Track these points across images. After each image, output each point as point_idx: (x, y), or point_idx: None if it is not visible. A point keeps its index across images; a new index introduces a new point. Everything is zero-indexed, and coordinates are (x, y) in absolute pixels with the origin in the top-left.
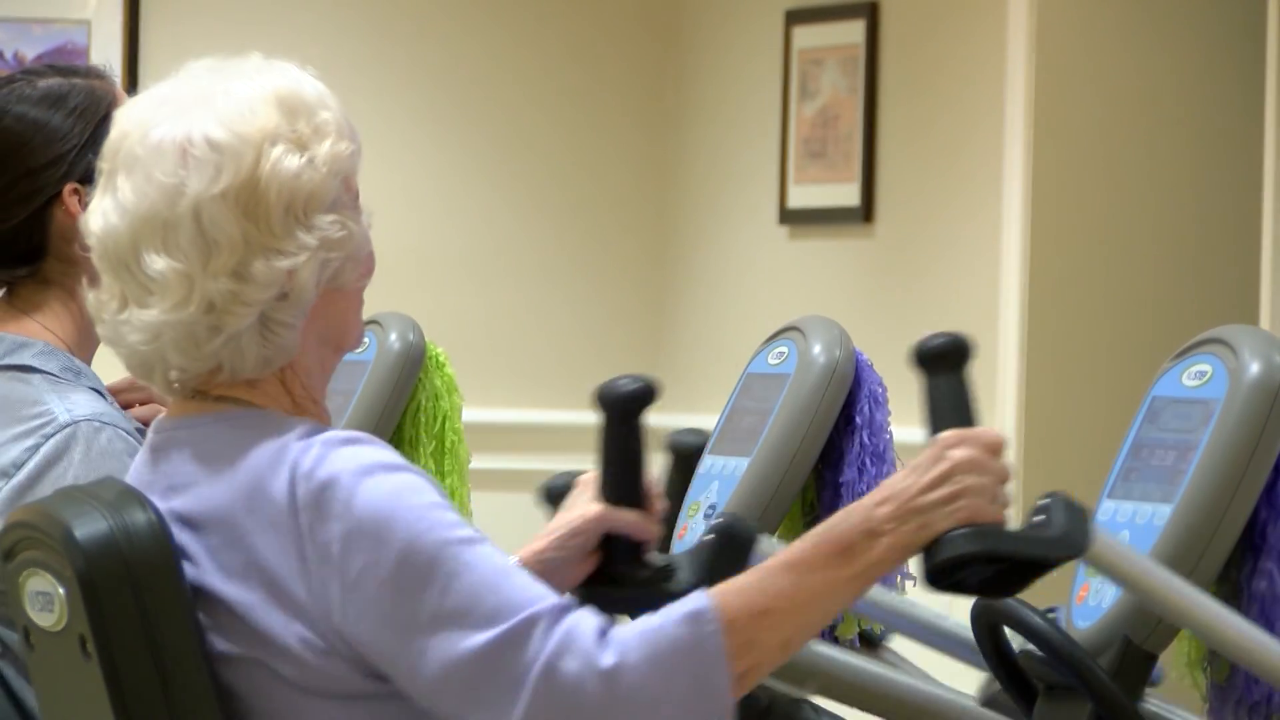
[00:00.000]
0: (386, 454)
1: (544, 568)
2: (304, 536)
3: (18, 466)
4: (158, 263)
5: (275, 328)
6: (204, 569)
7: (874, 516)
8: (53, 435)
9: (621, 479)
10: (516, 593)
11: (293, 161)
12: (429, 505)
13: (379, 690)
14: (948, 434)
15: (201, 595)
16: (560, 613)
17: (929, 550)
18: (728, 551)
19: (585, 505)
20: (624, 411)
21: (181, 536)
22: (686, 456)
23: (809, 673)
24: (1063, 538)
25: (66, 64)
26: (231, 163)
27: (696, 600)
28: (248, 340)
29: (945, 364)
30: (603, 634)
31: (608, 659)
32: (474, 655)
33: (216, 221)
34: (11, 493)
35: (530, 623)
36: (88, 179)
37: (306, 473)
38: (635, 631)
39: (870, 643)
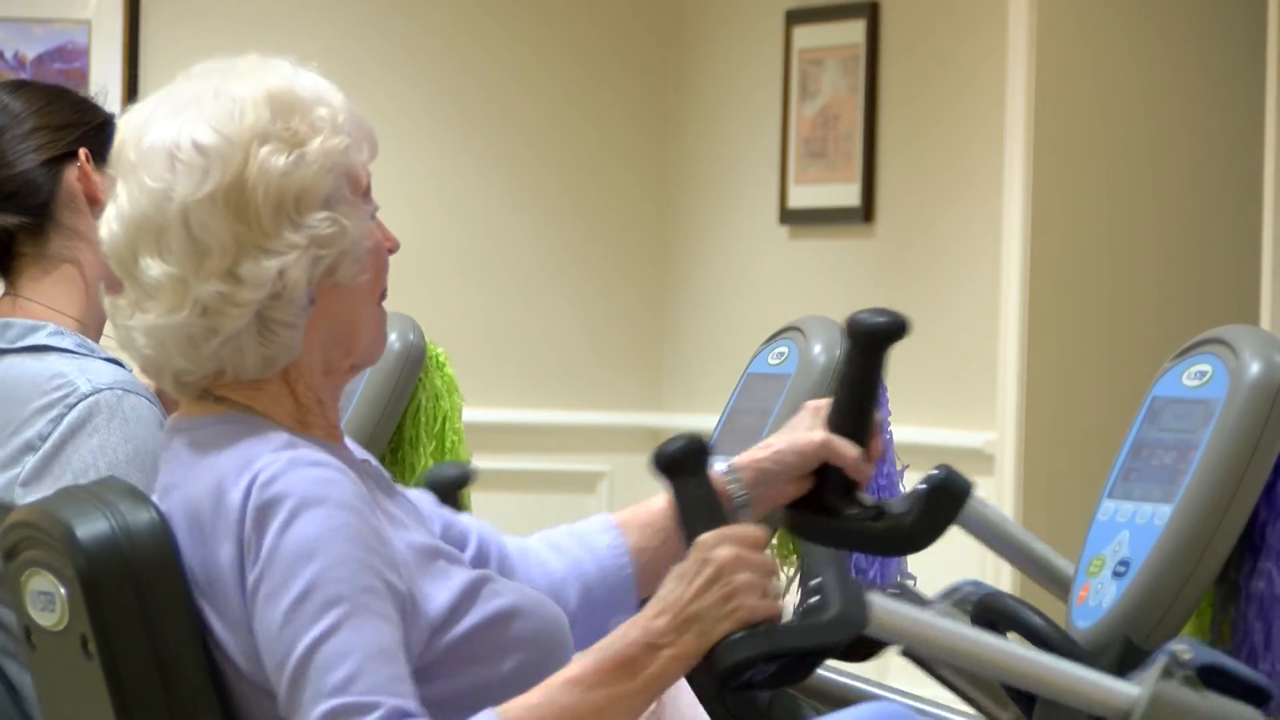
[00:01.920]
0: (344, 489)
1: (759, 477)
2: (245, 541)
3: (43, 439)
4: (153, 268)
5: (275, 327)
6: (192, 564)
7: (653, 629)
8: (75, 405)
9: (852, 412)
10: (376, 676)
11: (281, 160)
12: (355, 558)
13: None
14: (706, 536)
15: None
16: (398, 716)
17: (709, 658)
18: (940, 502)
19: (810, 429)
20: (871, 343)
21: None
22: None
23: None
24: (839, 619)
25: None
26: (218, 165)
27: (484, 719)
28: (246, 341)
29: (684, 469)
30: None
31: None
32: (317, 711)
33: (205, 225)
34: (39, 463)
35: (371, 707)
36: (99, 159)
37: (264, 482)
38: None
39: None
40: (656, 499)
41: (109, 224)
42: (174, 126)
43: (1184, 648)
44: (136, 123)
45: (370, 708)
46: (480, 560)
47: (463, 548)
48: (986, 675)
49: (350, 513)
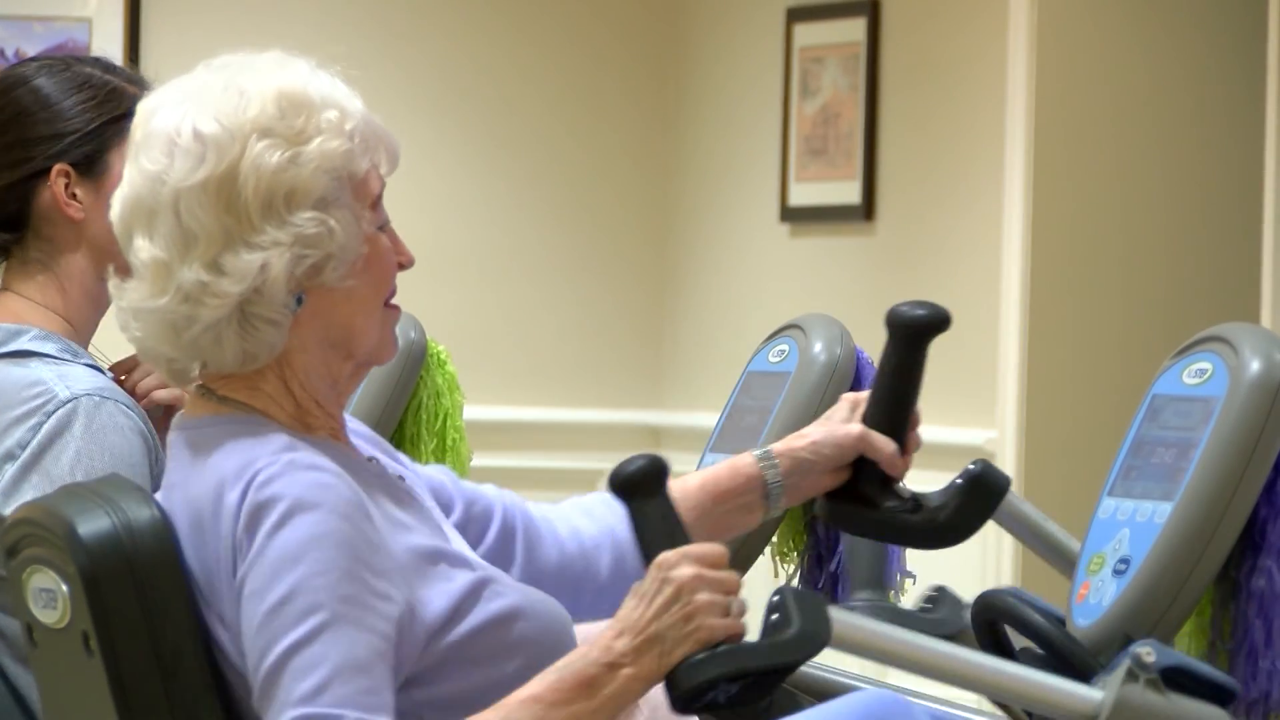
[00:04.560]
0: (338, 495)
1: (795, 466)
2: (238, 541)
3: (22, 447)
4: (143, 250)
5: (256, 322)
6: (194, 563)
7: (613, 649)
8: (54, 412)
9: (890, 406)
10: (352, 689)
11: (276, 156)
12: (341, 567)
13: None
14: (666, 555)
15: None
16: None
17: (671, 678)
18: (977, 496)
19: (847, 422)
20: (910, 336)
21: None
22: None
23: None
24: (800, 637)
25: (114, 63)
26: (214, 154)
27: None
28: (226, 332)
29: (643, 489)
30: None
31: None
32: (287, 714)
33: (193, 212)
34: (18, 472)
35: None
36: (83, 167)
37: (260, 483)
38: None
39: None
40: (692, 475)
41: (114, 202)
42: (179, 113)
43: (1146, 649)
44: (149, 106)
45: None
46: (504, 533)
47: (486, 523)
48: (953, 685)
49: (342, 519)
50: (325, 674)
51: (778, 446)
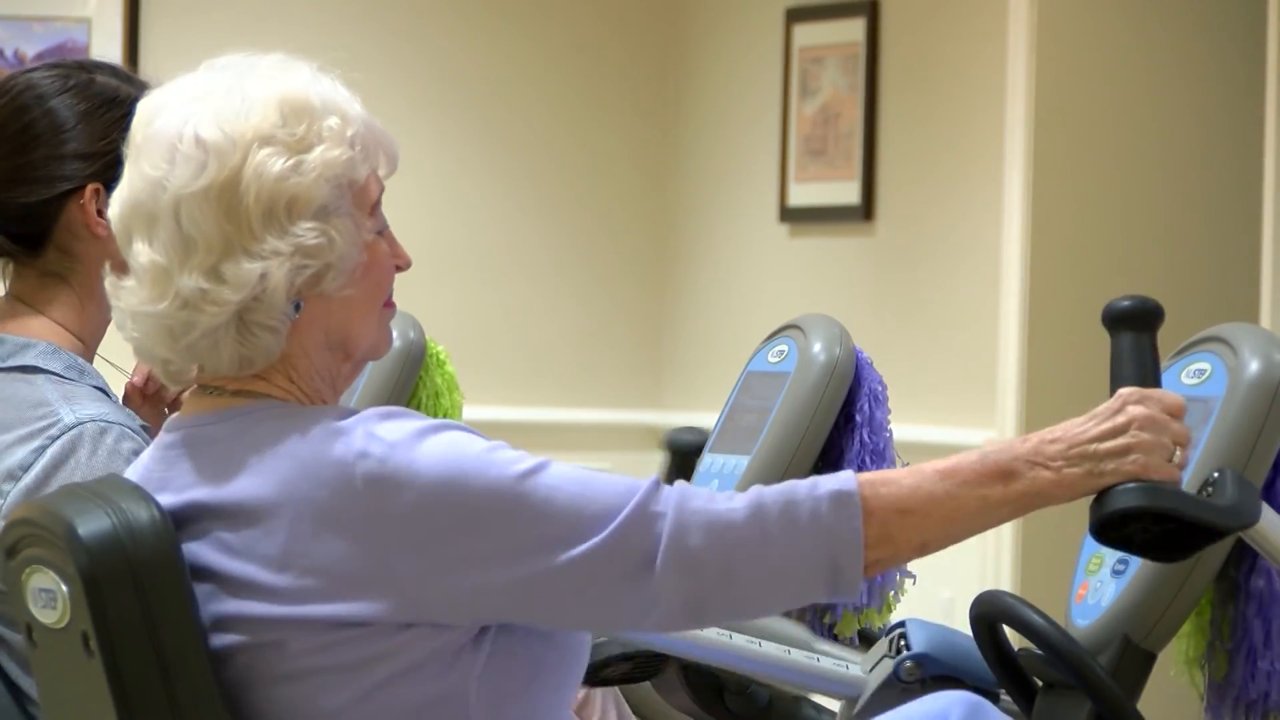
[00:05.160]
0: (422, 419)
1: None
2: (370, 516)
3: (25, 469)
4: (142, 254)
5: (254, 329)
6: (245, 559)
7: (1041, 449)
8: (58, 437)
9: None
10: (610, 489)
11: (278, 164)
12: (486, 450)
13: (422, 655)
14: (1128, 390)
15: (243, 586)
16: (657, 485)
17: (1098, 500)
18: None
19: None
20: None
21: (216, 529)
22: (685, 454)
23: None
24: (1234, 507)
25: (125, 71)
26: (216, 161)
27: (845, 480)
28: (224, 338)
29: (1133, 324)
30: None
31: (739, 510)
32: (606, 543)
33: (194, 219)
34: (19, 495)
35: (645, 496)
36: (112, 187)
37: (360, 451)
38: (780, 494)
39: (871, 642)
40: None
41: (113, 202)
42: (181, 117)
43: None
44: (150, 107)
45: (644, 498)
46: None
47: None
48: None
49: (444, 428)
50: (587, 486)
51: None
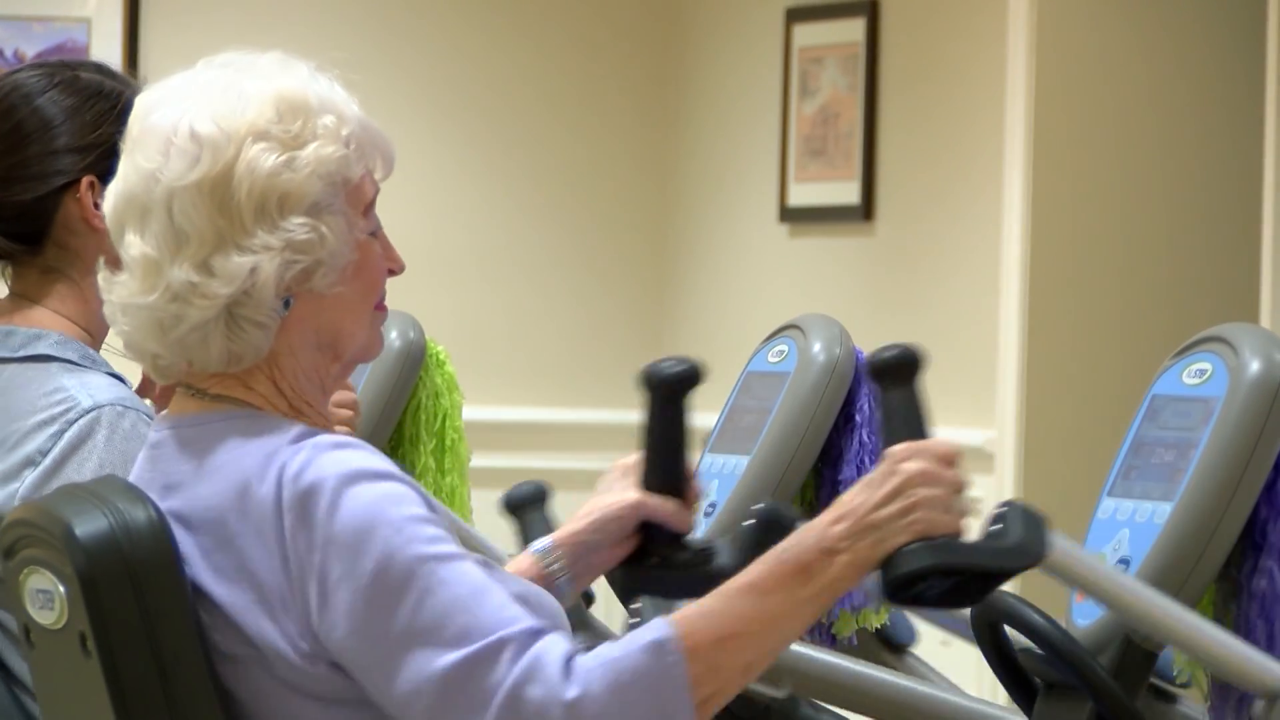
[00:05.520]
0: (374, 460)
1: (579, 550)
2: (286, 540)
3: (44, 454)
4: (134, 246)
5: (243, 324)
6: (197, 569)
7: (829, 535)
8: (76, 420)
9: (662, 465)
10: (489, 614)
11: (271, 159)
12: (410, 518)
13: (365, 696)
14: (899, 447)
15: (196, 595)
16: (530, 638)
17: (886, 565)
18: (767, 536)
19: (624, 490)
20: (668, 394)
21: (178, 535)
22: (523, 507)
23: (786, 672)
24: (1018, 547)
25: (109, 67)
26: (209, 155)
27: (658, 629)
28: (213, 333)
29: (896, 377)
30: (569, 662)
31: (572, 690)
32: (441, 675)
33: (186, 212)
34: (38, 479)
35: (499, 646)
36: (107, 178)
37: (293, 476)
38: (599, 661)
39: (893, 648)
40: (568, 524)
41: (108, 195)
42: (177, 111)
43: None
44: (147, 101)
45: (496, 649)
46: None
47: None
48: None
49: (385, 478)
50: (459, 617)
51: (560, 535)
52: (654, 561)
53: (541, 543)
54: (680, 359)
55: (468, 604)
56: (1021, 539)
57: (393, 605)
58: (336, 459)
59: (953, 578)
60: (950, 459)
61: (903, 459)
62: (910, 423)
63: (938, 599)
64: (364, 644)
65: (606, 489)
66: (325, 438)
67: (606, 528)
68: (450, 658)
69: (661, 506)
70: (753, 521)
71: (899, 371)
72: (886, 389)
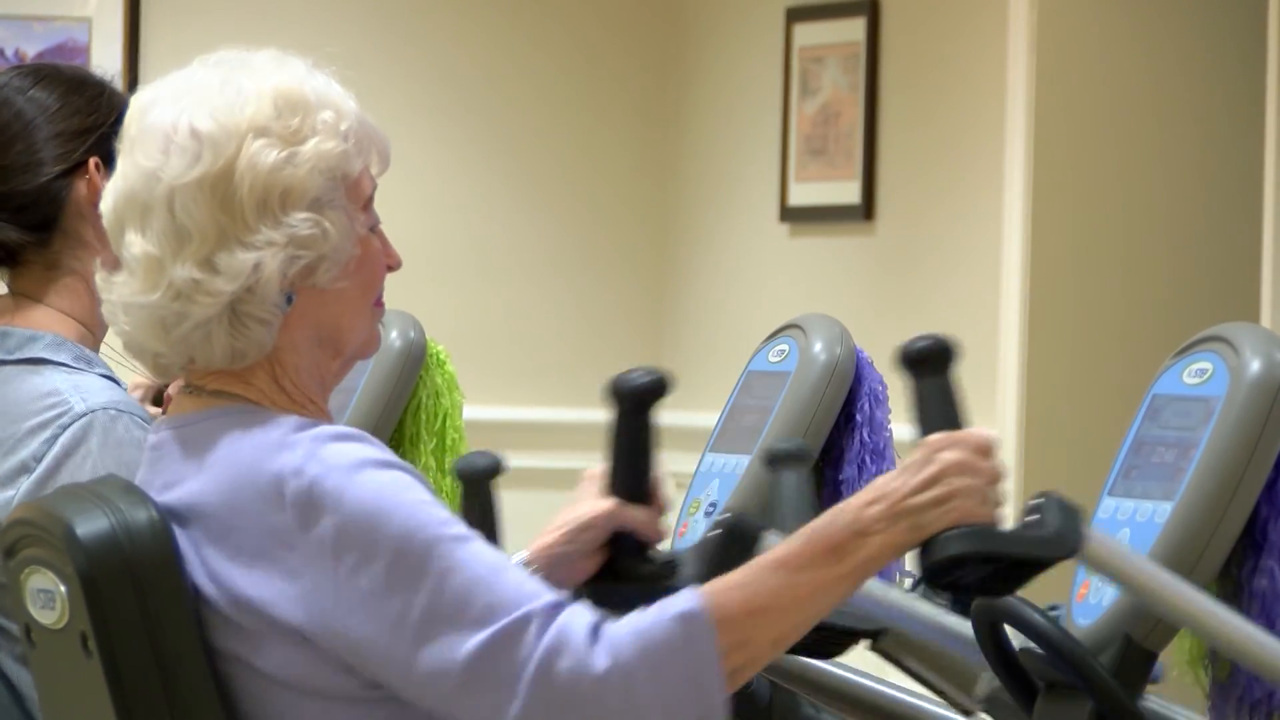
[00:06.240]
0: (376, 450)
1: (553, 562)
2: (294, 533)
3: (38, 460)
4: (135, 245)
5: (247, 321)
6: (191, 564)
7: (864, 516)
8: (69, 425)
9: (630, 474)
10: (509, 590)
11: (272, 155)
12: (419, 502)
13: (371, 694)
14: (937, 436)
15: (196, 594)
16: (553, 610)
17: (924, 549)
18: (733, 547)
19: (594, 499)
20: (636, 404)
21: (176, 530)
22: (476, 481)
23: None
24: (1055, 537)
25: (85, 67)
26: (210, 152)
27: (689, 599)
28: (216, 330)
29: (931, 366)
30: (595, 632)
31: (601, 660)
32: (467, 655)
33: (188, 209)
34: (33, 485)
35: (523, 621)
36: (109, 161)
37: (296, 468)
38: (628, 630)
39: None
40: (540, 537)
41: (106, 195)
42: (176, 109)
43: None
44: (144, 101)
45: (522, 624)
46: None
47: None
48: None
49: (389, 466)
50: (481, 596)
51: (534, 548)
52: (618, 576)
53: (517, 557)
54: (649, 369)
55: (489, 582)
56: (1059, 529)
57: (412, 589)
58: (339, 450)
59: (990, 564)
60: (987, 450)
61: (940, 448)
62: (946, 412)
63: (975, 586)
64: (385, 630)
65: (579, 499)
66: (326, 429)
67: (579, 538)
68: (475, 638)
69: (632, 515)
70: (719, 532)
71: (934, 360)
72: (921, 378)
